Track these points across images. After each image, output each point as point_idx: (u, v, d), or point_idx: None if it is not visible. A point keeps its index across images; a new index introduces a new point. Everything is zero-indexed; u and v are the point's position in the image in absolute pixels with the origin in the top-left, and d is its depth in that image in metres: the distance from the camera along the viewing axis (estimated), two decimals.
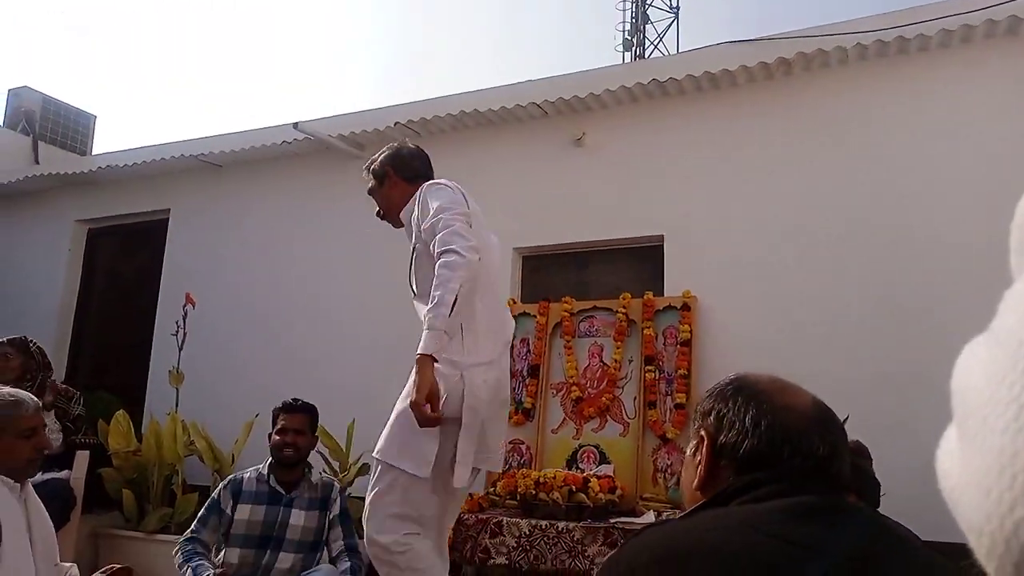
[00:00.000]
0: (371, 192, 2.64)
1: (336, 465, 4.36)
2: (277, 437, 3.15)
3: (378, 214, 2.66)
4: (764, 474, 0.98)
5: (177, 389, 4.84)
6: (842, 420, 1.09)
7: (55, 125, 8.08)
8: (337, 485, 3.31)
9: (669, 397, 4.12)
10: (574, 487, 3.63)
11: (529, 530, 3.48)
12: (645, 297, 4.33)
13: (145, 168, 6.15)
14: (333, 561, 3.11)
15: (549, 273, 4.93)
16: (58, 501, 3.29)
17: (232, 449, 4.54)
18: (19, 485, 2.17)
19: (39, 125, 7.85)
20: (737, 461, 1.02)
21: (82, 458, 3.80)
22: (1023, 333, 0.34)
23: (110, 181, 6.50)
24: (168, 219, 6.27)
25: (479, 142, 5.07)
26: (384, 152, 2.64)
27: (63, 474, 3.72)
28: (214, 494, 3.14)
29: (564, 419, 4.32)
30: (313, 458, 3.32)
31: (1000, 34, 3.92)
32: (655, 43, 15.90)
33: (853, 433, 2.29)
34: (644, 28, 15.84)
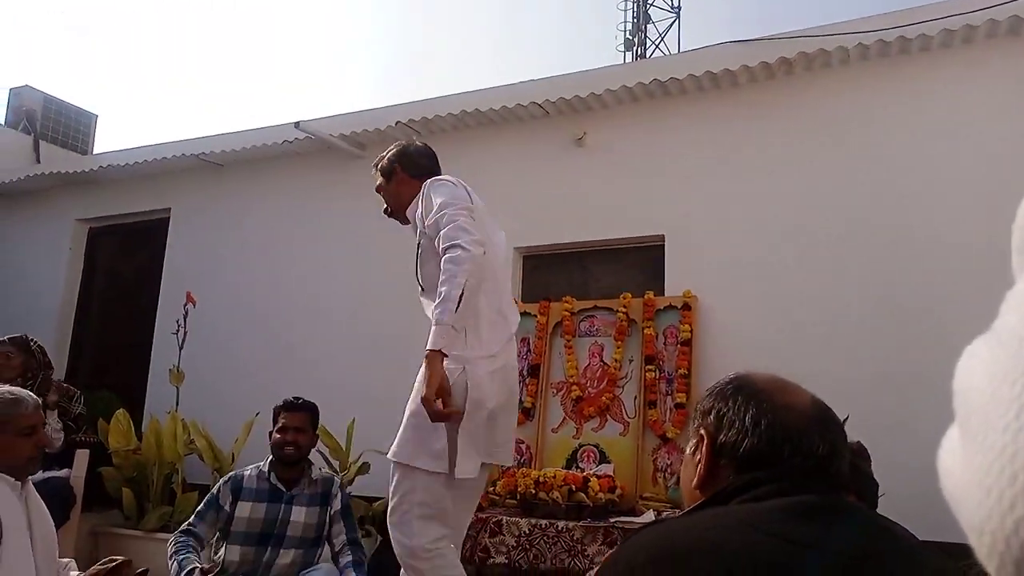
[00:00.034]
0: (379, 189, 2.65)
1: (336, 464, 4.37)
2: (278, 435, 3.15)
3: (386, 211, 2.67)
4: (764, 473, 0.98)
5: (177, 388, 4.84)
6: (842, 420, 1.09)
7: (56, 124, 8.08)
8: (337, 480, 3.31)
9: (669, 397, 4.12)
10: (574, 486, 3.63)
11: (529, 529, 3.48)
12: (645, 297, 4.33)
13: (146, 167, 6.15)
14: (336, 556, 3.11)
15: (550, 272, 4.93)
16: (58, 499, 3.29)
17: (232, 448, 4.54)
18: (20, 483, 2.17)
19: (40, 124, 7.86)
20: (737, 460, 1.02)
21: (82, 457, 3.81)
22: None
23: (111, 180, 6.51)
24: (169, 218, 6.27)
25: (480, 142, 5.07)
26: (392, 149, 2.66)
27: (63, 472, 3.73)
28: (214, 490, 3.14)
29: (564, 418, 4.33)
30: (313, 457, 3.32)
31: (1002, 34, 3.92)
32: (656, 43, 15.91)
33: (853, 433, 2.29)
34: (645, 28, 15.85)
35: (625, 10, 15.95)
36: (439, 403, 2.13)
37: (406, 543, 2.22)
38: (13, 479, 2.14)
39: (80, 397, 4.20)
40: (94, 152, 7.94)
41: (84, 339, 6.62)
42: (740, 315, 4.18)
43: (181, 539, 2.96)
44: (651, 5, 15.98)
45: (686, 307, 4.23)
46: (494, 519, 3.53)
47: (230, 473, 3.25)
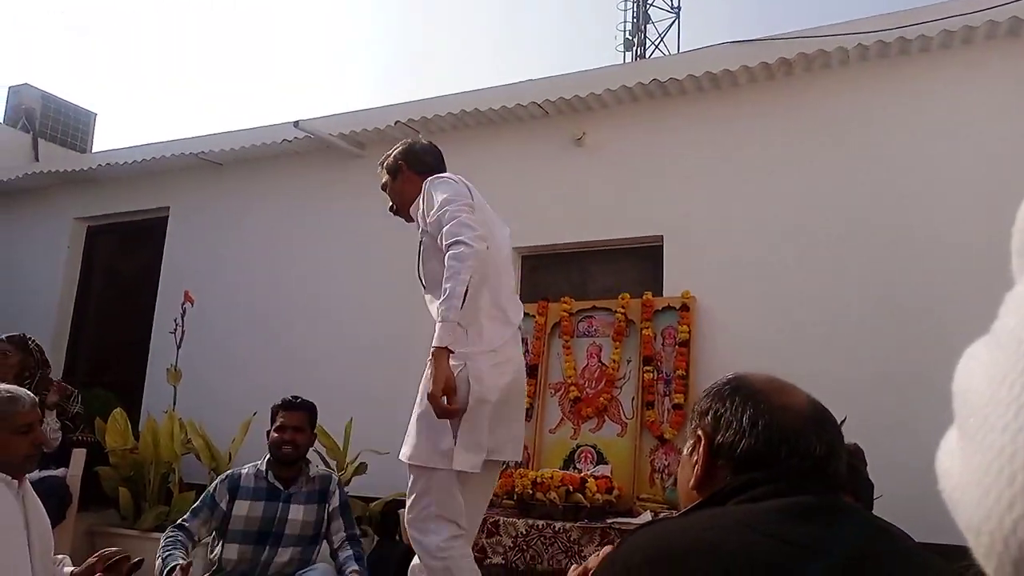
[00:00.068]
0: (384, 187, 2.67)
1: (333, 464, 4.36)
2: (276, 435, 3.14)
3: (391, 208, 2.68)
4: (761, 474, 0.98)
5: (175, 387, 4.84)
6: (839, 421, 1.09)
7: (55, 123, 8.07)
8: (335, 477, 3.31)
9: (667, 397, 4.12)
10: (571, 487, 3.63)
11: (526, 530, 3.48)
12: (644, 297, 4.33)
13: (145, 166, 6.14)
14: (335, 552, 3.11)
15: (548, 273, 4.93)
16: (54, 499, 3.28)
17: (229, 448, 4.53)
18: (16, 482, 2.17)
19: (39, 122, 7.85)
20: (734, 461, 1.02)
21: (78, 455, 3.80)
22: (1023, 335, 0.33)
23: (110, 179, 6.50)
24: (168, 217, 6.27)
25: (479, 141, 5.07)
26: (398, 147, 2.67)
27: (59, 471, 3.72)
28: (210, 487, 3.13)
29: (562, 419, 4.32)
30: (310, 457, 3.32)
31: (1001, 35, 3.92)
32: (656, 43, 15.91)
33: (853, 434, 2.29)
34: (645, 28, 15.85)
35: (625, 10, 15.97)
36: (444, 400, 2.14)
37: (422, 541, 2.25)
38: (10, 477, 2.14)
39: (77, 396, 4.20)
40: (93, 151, 7.93)
41: (82, 337, 6.61)
42: (739, 316, 4.18)
43: (171, 535, 2.96)
44: (651, 5, 15.99)
45: (684, 308, 4.22)
46: (491, 519, 3.53)
47: (227, 471, 3.24)
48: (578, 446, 4.22)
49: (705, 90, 4.56)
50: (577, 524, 3.46)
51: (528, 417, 4.30)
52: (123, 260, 6.71)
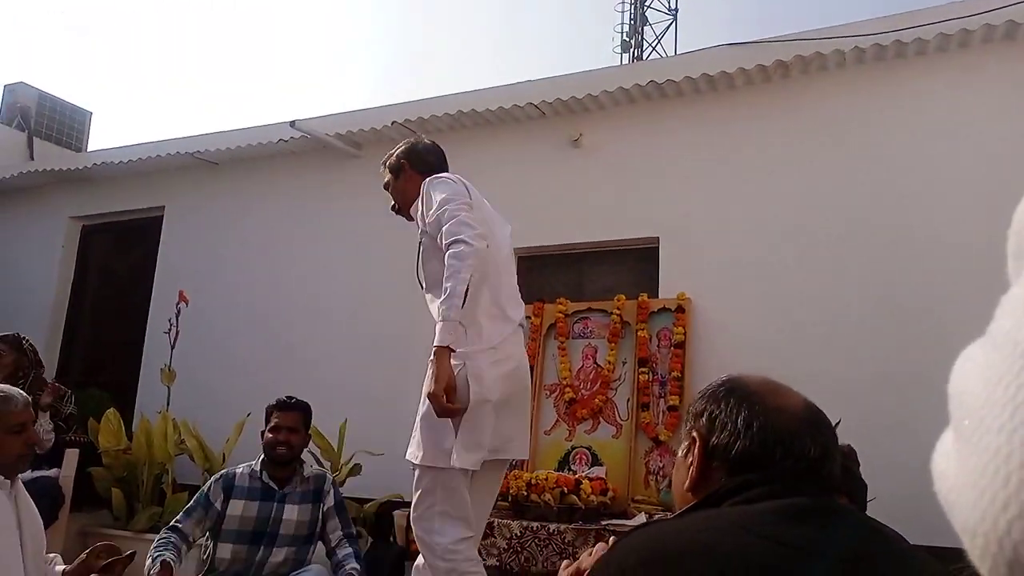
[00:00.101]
0: (386, 186, 2.67)
1: (328, 465, 4.35)
2: (270, 435, 3.13)
3: (393, 208, 2.68)
4: (756, 475, 0.98)
5: (169, 387, 4.82)
6: (834, 424, 1.09)
7: (50, 121, 8.05)
8: (329, 476, 3.30)
9: (662, 399, 4.12)
10: (566, 489, 3.63)
11: (520, 532, 3.48)
12: (639, 299, 4.33)
13: (140, 165, 6.13)
14: (332, 550, 3.11)
15: (544, 274, 4.92)
16: (46, 499, 3.27)
17: (223, 448, 4.52)
18: (9, 482, 2.16)
19: (34, 121, 7.82)
20: (729, 462, 1.01)
21: (71, 456, 3.79)
22: (1019, 336, 0.34)
23: (105, 178, 6.48)
24: (163, 217, 6.25)
25: (476, 142, 5.06)
26: (401, 146, 2.68)
27: (52, 472, 3.71)
28: (205, 487, 3.12)
29: (557, 420, 4.32)
30: (305, 457, 3.31)
31: (998, 39, 3.93)
32: (653, 45, 15.94)
33: (852, 435, 2.29)
34: (642, 30, 15.89)
35: (622, 12, 16.00)
36: (445, 399, 2.14)
37: (427, 539, 2.25)
38: (2, 477, 2.13)
39: (71, 397, 4.18)
40: (88, 149, 7.91)
41: (76, 337, 6.59)
42: (736, 317, 4.18)
43: (163, 536, 2.95)
44: (648, 7, 16.03)
45: (680, 309, 4.23)
46: (486, 521, 3.52)
47: (222, 471, 3.23)
48: (573, 448, 4.21)
49: (702, 92, 4.56)
50: (572, 526, 3.46)
51: None
52: (118, 259, 6.69)
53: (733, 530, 0.86)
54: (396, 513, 4.06)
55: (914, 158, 4.01)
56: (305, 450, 3.32)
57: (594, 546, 1.18)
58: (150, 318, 5.94)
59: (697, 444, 1.07)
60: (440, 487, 2.25)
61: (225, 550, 3.00)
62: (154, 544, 2.89)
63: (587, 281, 4.80)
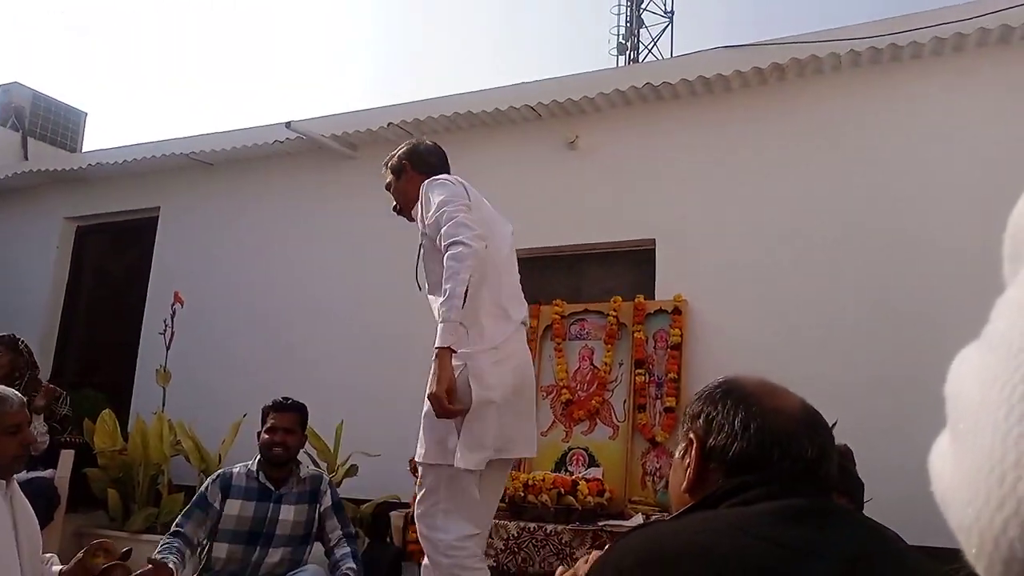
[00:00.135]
0: (388, 187, 2.68)
1: (324, 466, 4.34)
2: (267, 436, 3.13)
3: (394, 208, 2.69)
4: (753, 477, 0.98)
5: (164, 388, 4.81)
6: (831, 424, 1.09)
7: (45, 121, 8.02)
8: (326, 477, 3.30)
9: (659, 400, 4.13)
10: (563, 490, 3.63)
11: (517, 532, 3.48)
12: (636, 300, 4.33)
13: (135, 166, 6.11)
14: (331, 550, 3.10)
15: (541, 275, 4.92)
16: (42, 500, 3.26)
17: (219, 449, 4.51)
18: (4, 482, 2.15)
19: (29, 121, 7.80)
20: (726, 464, 1.02)
21: (67, 457, 3.77)
22: (1014, 338, 0.34)
23: (100, 178, 6.46)
24: (158, 217, 6.24)
25: (473, 144, 5.06)
26: (402, 147, 2.69)
27: (47, 473, 3.69)
28: (203, 488, 3.12)
29: (554, 421, 4.32)
30: (301, 458, 3.31)
31: (992, 42, 3.95)
32: (649, 47, 15.96)
33: (848, 437, 2.30)
34: (638, 32, 15.90)
35: (619, 14, 16.01)
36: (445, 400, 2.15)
37: (430, 536, 2.25)
38: None
39: (66, 399, 4.17)
40: (83, 150, 7.88)
41: (71, 338, 6.57)
42: (732, 319, 4.19)
43: (166, 542, 2.94)
44: (644, 10, 16.05)
45: (676, 311, 4.23)
46: None
47: (218, 471, 3.23)
48: (570, 449, 4.22)
49: (698, 94, 4.57)
50: (569, 527, 3.46)
51: None
52: (113, 260, 6.67)
53: (730, 531, 0.86)
54: (393, 514, 4.06)
55: (909, 161, 4.02)
56: (301, 451, 3.31)
57: (590, 552, 1.19)
58: (145, 319, 5.93)
59: (694, 446, 1.07)
60: (444, 484, 2.26)
61: (221, 550, 2.99)
62: (157, 550, 2.89)
63: (584, 283, 4.81)
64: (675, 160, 4.56)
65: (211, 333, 5.55)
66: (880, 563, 0.86)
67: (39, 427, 3.74)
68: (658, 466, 4.00)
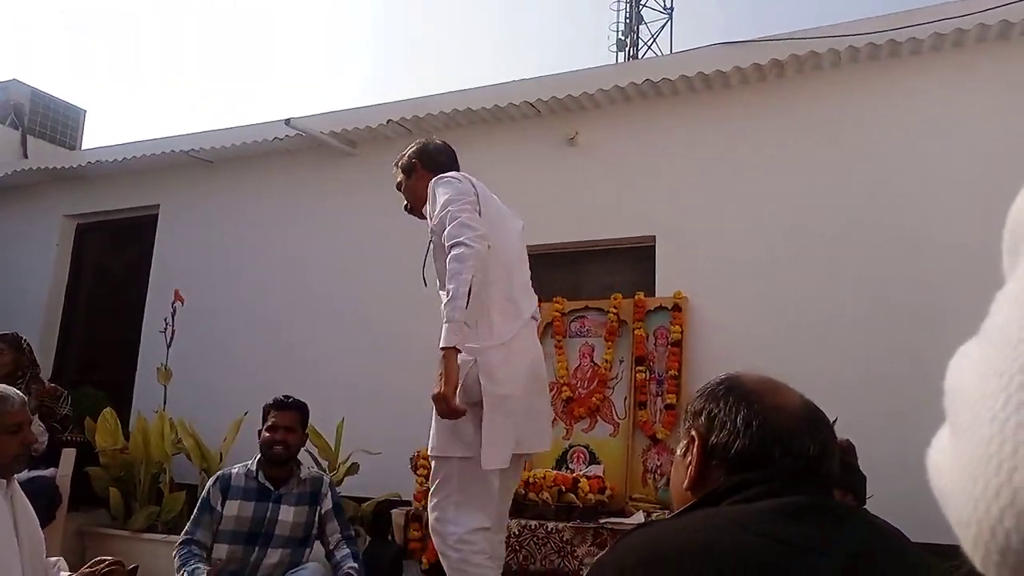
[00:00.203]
0: (399, 186, 2.70)
1: (325, 464, 4.35)
2: (267, 434, 3.12)
3: (406, 207, 2.70)
4: (755, 474, 0.98)
5: (165, 386, 4.81)
6: (831, 421, 1.09)
7: (44, 119, 8.02)
8: (327, 479, 3.29)
9: (659, 398, 4.13)
10: (564, 487, 3.63)
11: (518, 530, 3.48)
12: (636, 297, 4.33)
13: (135, 163, 6.11)
14: (331, 552, 3.11)
15: (540, 273, 4.88)
16: (43, 499, 3.26)
17: (220, 447, 4.51)
18: (5, 481, 2.15)
19: (28, 119, 7.79)
20: (728, 461, 1.02)
21: (68, 456, 3.77)
22: (1012, 330, 0.34)
23: (99, 176, 6.46)
24: (157, 215, 6.24)
25: (472, 140, 5.05)
26: (412, 146, 2.71)
27: (49, 472, 3.69)
28: (204, 493, 3.11)
29: (554, 419, 4.32)
30: (302, 457, 3.31)
31: (992, 38, 3.94)
32: (648, 44, 15.94)
33: (848, 433, 2.30)
34: (638, 29, 15.88)
35: (618, 11, 15.99)
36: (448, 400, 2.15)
37: (440, 529, 2.26)
38: None
39: (67, 398, 4.17)
40: (82, 148, 7.88)
41: (71, 336, 6.57)
42: (732, 316, 4.19)
43: (184, 551, 2.94)
44: (644, 6, 16.02)
45: (676, 308, 4.23)
46: None
47: (217, 473, 3.22)
48: (570, 446, 4.22)
49: (697, 91, 4.57)
50: (570, 524, 3.46)
51: None
52: (113, 258, 6.67)
53: (731, 529, 0.86)
54: (394, 512, 4.06)
55: (909, 157, 4.02)
56: (302, 449, 3.31)
57: (595, 550, 1.18)
58: (145, 317, 5.93)
59: (696, 443, 1.07)
60: (456, 477, 2.27)
61: (221, 550, 3.00)
62: (180, 563, 2.89)
63: (584, 280, 4.81)
64: (675, 156, 4.56)
65: (211, 331, 5.55)
66: (881, 559, 0.87)
67: (35, 427, 3.74)
68: (659, 463, 4.00)
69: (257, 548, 3.00)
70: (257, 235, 5.71)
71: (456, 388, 2.14)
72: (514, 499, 3.63)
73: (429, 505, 2.32)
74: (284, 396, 3.26)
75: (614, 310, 4.35)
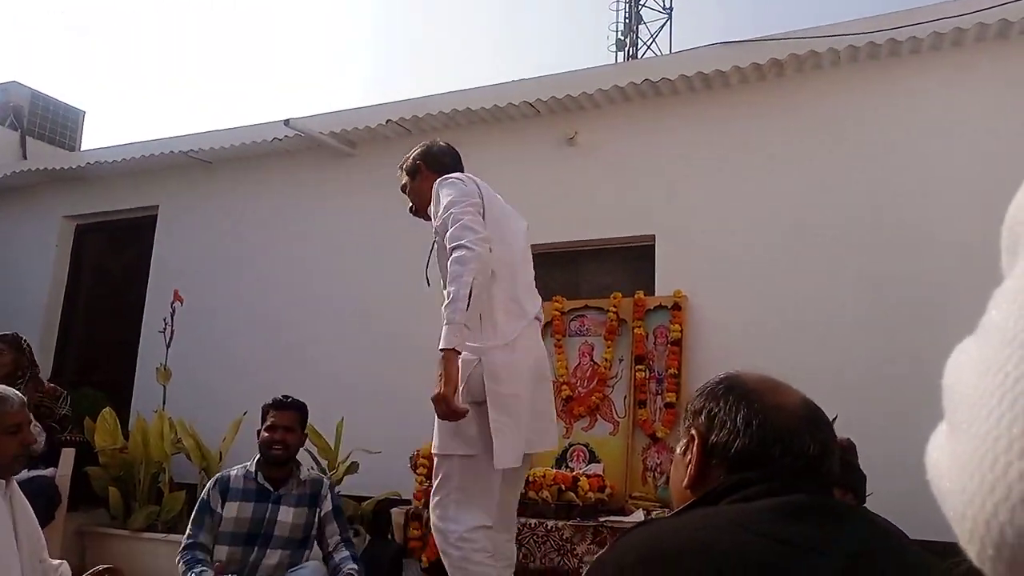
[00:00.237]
0: (404, 188, 2.70)
1: (325, 464, 4.35)
2: (266, 434, 3.12)
3: (411, 210, 2.71)
4: (754, 473, 0.98)
5: (164, 386, 4.81)
6: (831, 419, 1.09)
7: (43, 120, 8.01)
8: (327, 481, 3.29)
9: (659, 396, 4.13)
10: (563, 486, 3.63)
11: (518, 528, 3.48)
12: (636, 296, 4.34)
13: (134, 164, 6.11)
14: (330, 554, 3.10)
15: (540, 272, 4.87)
16: (42, 499, 3.25)
17: (220, 447, 4.51)
18: (4, 482, 2.15)
19: (27, 120, 7.78)
20: (728, 460, 1.02)
21: (68, 456, 3.77)
22: (1009, 327, 0.34)
23: (98, 177, 6.46)
24: (157, 216, 6.23)
25: (471, 140, 5.05)
26: (416, 149, 2.72)
27: (48, 471, 3.69)
28: (203, 495, 3.11)
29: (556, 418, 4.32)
30: (301, 456, 3.30)
31: (991, 37, 3.94)
32: (648, 43, 15.94)
33: (848, 431, 2.31)
34: (637, 28, 15.87)
35: (617, 10, 15.99)
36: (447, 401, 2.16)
37: (441, 527, 2.27)
38: None
39: (66, 398, 4.16)
40: (82, 149, 7.88)
41: (70, 336, 6.57)
42: (732, 315, 4.19)
43: (188, 555, 2.94)
44: (643, 6, 16.02)
45: (676, 307, 4.23)
46: None
47: (216, 475, 3.22)
48: (570, 445, 4.22)
49: (697, 90, 4.57)
50: (569, 522, 3.46)
51: None
52: (112, 259, 6.67)
53: (731, 528, 0.86)
54: (394, 511, 4.06)
55: (908, 156, 4.02)
56: (302, 449, 3.31)
57: (594, 547, 1.19)
58: (145, 317, 5.93)
59: (696, 442, 1.07)
60: (457, 474, 2.27)
61: (221, 552, 2.99)
62: (185, 567, 2.89)
63: (583, 279, 4.81)
64: (674, 156, 4.56)
65: (211, 331, 5.55)
66: (882, 559, 0.86)
67: (33, 428, 3.73)
68: (659, 462, 4.01)
69: (256, 549, 3.00)
70: (256, 235, 5.71)
71: (455, 390, 2.15)
72: None
73: (431, 503, 2.33)
74: (283, 396, 3.25)
75: (614, 309, 4.35)
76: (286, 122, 5.31)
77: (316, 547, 3.17)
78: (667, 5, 16.08)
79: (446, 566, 2.27)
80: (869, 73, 4.20)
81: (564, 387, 4.32)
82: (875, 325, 3.89)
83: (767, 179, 4.30)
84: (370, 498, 4.43)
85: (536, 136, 4.94)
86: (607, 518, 3.52)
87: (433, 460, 2.39)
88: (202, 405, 4.99)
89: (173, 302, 5.01)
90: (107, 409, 4.62)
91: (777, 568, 0.81)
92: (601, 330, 4.39)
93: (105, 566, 2.30)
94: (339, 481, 4.23)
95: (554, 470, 3.84)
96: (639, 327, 4.26)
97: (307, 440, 3.49)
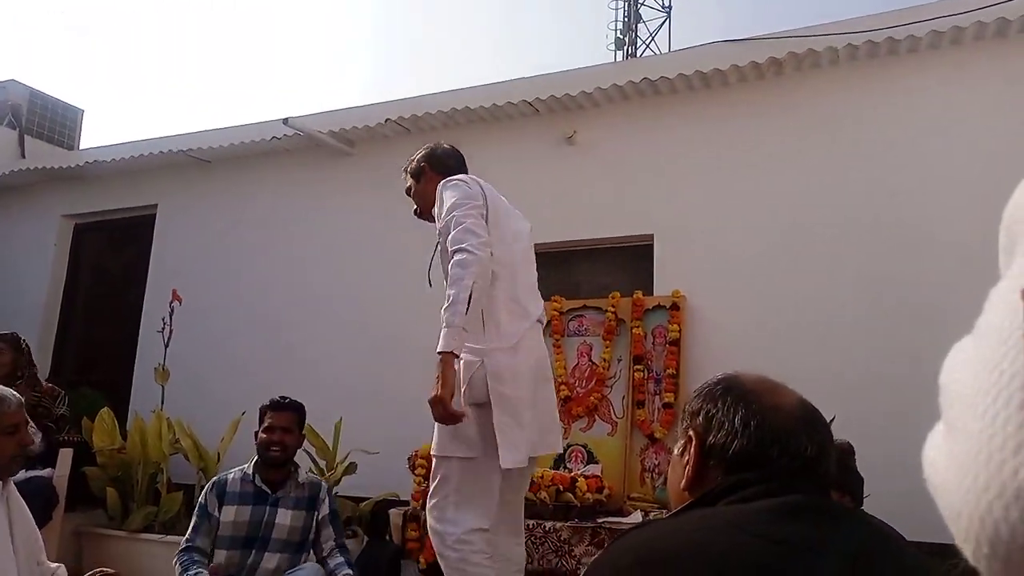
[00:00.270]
0: (408, 191, 2.71)
1: (323, 464, 4.34)
2: (264, 435, 3.11)
3: (415, 212, 2.71)
4: (752, 474, 0.98)
5: (163, 386, 4.80)
6: (829, 420, 1.09)
7: (42, 119, 8.00)
8: (324, 484, 3.27)
9: (657, 397, 4.13)
10: (561, 487, 3.63)
11: None
12: (634, 296, 4.33)
13: (132, 163, 6.10)
14: (324, 559, 3.09)
15: (539, 271, 4.90)
16: (40, 499, 3.24)
17: (218, 447, 4.50)
18: (1, 483, 2.15)
19: (26, 119, 7.78)
20: (726, 461, 1.01)
21: (65, 456, 3.76)
22: (1005, 326, 0.35)
23: (97, 176, 6.45)
24: (155, 215, 6.23)
25: (470, 139, 5.04)
26: (420, 151, 2.72)
27: (46, 472, 3.69)
28: (200, 499, 3.10)
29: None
30: (299, 457, 3.29)
31: (989, 36, 3.94)
32: (647, 42, 15.94)
33: (847, 432, 2.30)
34: (636, 27, 15.88)
35: (616, 9, 16.00)
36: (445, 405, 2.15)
37: (438, 528, 2.26)
38: None
39: (64, 398, 4.15)
40: (80, 148, 7.87)
41: (69, 336, 6.57)
42: (731, 315, 4.19)
43: (185, 557, 2.93)
44: (642, 4, 16.02)
45: (675, 307, 4.23)
46: None
47: (213, 478, 3.20)
48: (568, 445, 4.21)
49: (696, 89, 4.56)
50: (567, 523, 3.46)
51: None
52: (110, 258, 6.66)
53: (728, 529, 0.86)
54: (392, 511, 4.05)
55: (907, 155, 4.02)
56: (300, 449, 3.30)
57: (592, 549, 1.18)
58: (143, 317, 5.92)
59: (693, 443, 1.06)
60: (455, 476, 2.27)
61: (219, 556, 2.98)
62: (181, 568, 2.88)
63: (582, 279, 4.80)
64: (673, 155, 4.56)
65: (209, 331, 5.55)
66: (879, 560, 0.86)
67: (30, 428, 3.73)
68: (657, 462, 4.00)
69: (254, 552, 2.99)
70: (255, 235, 5.70)
71: (453, 393, 2.14)
72: None
73: (428, 505, 2.33)
74: (280, 397, 3.24)
75: (612, 309, 4.35)
76: (285, 121, 5.30)
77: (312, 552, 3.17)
78: (666, 4, 16.09)
79: (443, 568, 2.26)
80: (868, 72, 4.20)
81: (562, 387, 4.31)
82: (874, 325, 3.89)
83: (766, 178, 4.30)
84: (368, 499, 4.42)
85: (535, 135, 4.94)
86: (605, 519, 3.52)
87: (432, 461, 2.38)
88: (200, 405, 4.98)
89: (172, 302, 5.00)
90: (105, 409, 4.62)
91: (774, 569, 0.81)
92: (599, 330, 4.38)
93: (103, 570, 2.29)
94: (337, 482, 4.23)
95: (552, 471, 3.84)
96: (637, 327, 4.25)
97: (305, 441, 3.48)
